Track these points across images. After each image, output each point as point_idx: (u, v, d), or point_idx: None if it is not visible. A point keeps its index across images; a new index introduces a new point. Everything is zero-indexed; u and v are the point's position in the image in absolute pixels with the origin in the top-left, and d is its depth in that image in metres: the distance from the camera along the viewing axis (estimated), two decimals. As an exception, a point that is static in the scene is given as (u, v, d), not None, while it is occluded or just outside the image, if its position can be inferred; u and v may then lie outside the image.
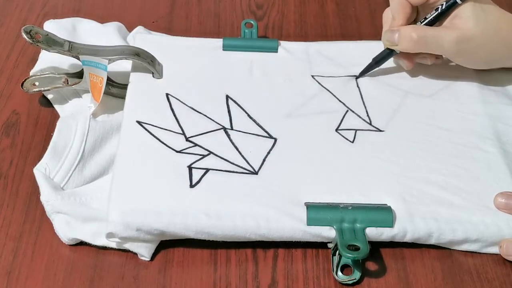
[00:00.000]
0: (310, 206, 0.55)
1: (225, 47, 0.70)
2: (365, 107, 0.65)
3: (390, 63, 0.69)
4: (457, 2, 0.62)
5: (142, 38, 0.70)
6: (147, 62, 0.64)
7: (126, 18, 0.77)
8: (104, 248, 0.55)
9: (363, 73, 0.68)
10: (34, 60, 0.70)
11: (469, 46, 0.63)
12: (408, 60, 0.66)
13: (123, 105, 0.63)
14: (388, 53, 0.66)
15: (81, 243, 0.55)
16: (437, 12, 0.64)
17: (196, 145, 0.60)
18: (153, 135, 0.60)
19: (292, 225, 0.54)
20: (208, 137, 0.61)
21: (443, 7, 0.63)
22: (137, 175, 0.56)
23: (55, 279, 0.53)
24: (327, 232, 0.54)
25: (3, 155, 0.62)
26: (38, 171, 0.57)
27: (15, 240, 0.56)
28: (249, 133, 0.62)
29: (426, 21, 0.64)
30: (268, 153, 0.60)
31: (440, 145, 0.62)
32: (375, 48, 0.71)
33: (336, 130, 0.63)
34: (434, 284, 0.54)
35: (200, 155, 0.59)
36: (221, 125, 0.62)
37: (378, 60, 0.67)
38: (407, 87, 0.68)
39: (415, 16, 0.66)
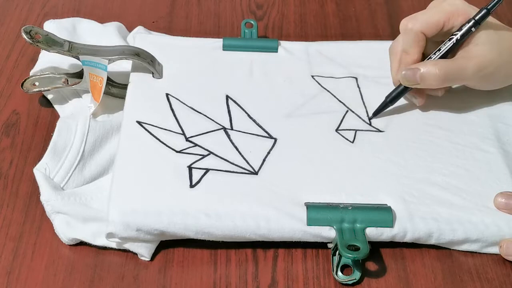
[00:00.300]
0: (310, 206, 0.55)
1: (225, 47, 0.70)
2: (365, 107, 0.65)
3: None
4: (471, 30, 0.61)
5: (142, 38, 0.70)
6: (147, 62, 0.64)
7: (126, 18, 0.77)
8: (104, 248, 0.55)
9: (376, 113, 0.64)
10: (34, 60, 0.70)
11: (488, 71, 0.61)
12: (420, 96, 0.64)
13: (123, 105, 0.63)
14: (402, 90, 0.63)
15: (81, 243, 0.55)
16: (452, 43, 0.61)
17: (196, 145, 0.60)
18: (153, 135, 0.60)
19: (292, 225, 0.54)
20: (208, 137, 0.61)
21: (458, 36, 0.61)
22: (137, 175, 0.56)
23: (55, 279, 0.53)
24: (327, 232, 0.54)
25: (3, 155, 0.62)
26: (38, 171, 0.57)
27: (15, 240, 0.56)
28: (249, 133, 0.62)
29: (441, 53, 0.62)
30: (268, 153, 0.60)
31: (440, 145, 0.62)
32: (375, 48, 0.71)
33: (336, 130, 0.63)
34: (434, 284, 0.54)
35: (200, 155, 0.59)
36: (221, 125, 0.62)
37: (393, 98, 0.64)
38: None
39: (424, 47, 0.63)
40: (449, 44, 0.62)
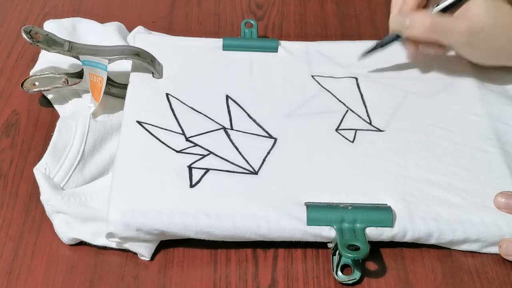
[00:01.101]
0: (310, 206, 0.55)
1: (225, 47, 0.70)
2: (365, 107, 0.65)
3: (391, 62, 0.69)
4: None
5: (142, 38, 0.70)
6: (147, 62, 0.64)
7: (126, 18, 0.77)
8: (104, 248, 0.55)
9: (366, 54, 0.67)
10: (34, 60, 0.70)
11: (478, 38, 0.62)
12: (413, 47, 0.65)
13: (123, 105, 0.63)
14: (394, 38, 0.65)
15: (81, 243, 0.55)
16: (449, 2, 0.63)
17: (196, 145, 0.60)
18: (153, 135, 0.60)
19: (292, 225, 0.54)
20: (208, 137, 0.61)
21: None
22: (137, 175, 0.56)
23: (55, 279, 0.53)
24: (327, 232, 0.54)
25: (3, 155, 0.62)
26: (38, 171, 0.57)
27: (15, 240, 0.56)
28: (249, 133, 0.62)
29: (438, 8, 0.63)
30: (268, 153, 0.60)
31: (440, 145, 0.62)
32: (375, 48, 0.71)
33: (336, 130, 0.63)
34: (434, 284, 0.54)
35: (200, 155, 0.59)
36: (221, 125, 0.62)
37: (383, 43, 0.66)
38: (407, 87, 0.67)
39: (425, 3, 0.65)
40: (445, 2, 0.63)
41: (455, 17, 0.63)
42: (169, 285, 0.53)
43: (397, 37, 0.65)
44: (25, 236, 0.56)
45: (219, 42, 0.70)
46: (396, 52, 0.70)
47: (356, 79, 0.68)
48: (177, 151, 0.59)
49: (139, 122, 0.61)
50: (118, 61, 0.63)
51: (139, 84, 0.65)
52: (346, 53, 0.71)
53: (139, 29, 0.73)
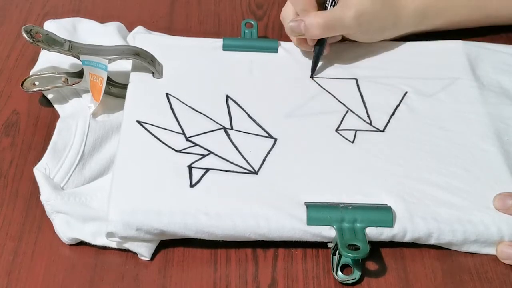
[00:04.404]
0: (310, 206, 0.55)
1: (225, 47, 0.70)
2: (365, 107, 0.65)
3: (391, 63, 0.69)
4: None
5: (142, 38, 0.70)
6: (147, 62, 0.64)
7: (126, 18, 0.77)
8: (104, 248, 0.55)
9: (313, 72, 0.68)
10: (34, 60, 0.70)
11: (364, 19, 0.66)
12: (305, 45, 0.68)
13: (123, 105, 0.63)
14: (321, 45, 0.67)
15: (81, 243, 0.55)
16: None
17: (196, 145, 0.60)
18: (153, 134, 0.60)
19: (292, 224, 0.54)
20: (208, 137, 0.61)
21: None
22: (137, 175, 0.56)
23: (55, 279, 0.53)
24: (327, 232, 0.54)
25: (3, 155, 0.62)
26: (38, 171, 0.57)
27: (15, 240, 0.56)
28: (249, 133, 0.62)
29: (329, 5, 0.66)
30: (268, 153, 0.60)
31: (441, 145, 0.62)
32: (375, 48, 0.71)
33: (336, 130, 0.63)
34: (434, 284, 0.54)
35: (200, 154, 0.59)
36: (221, 125, 0.62)
37: (319, 55, 0.68)
38: (407, 87, 0.67)
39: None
40: None
41: (340, 7, 0.65)
42: (169, 285, 0.53)
43: (321, 44, 0.67)
44: (25, 236, 0.56)
45: (219, 42, 0.70)
46: (396, 53, 0.71)
47: (356, 80, 0.68)
48: (177, 151, 0.59)
49: (139, 122, 0.61)
50: (118, 61, 0.63)
51: (139, 84, 0.65)
52: (346, 54, 0.71)
53: (139, 29, 0.73)
